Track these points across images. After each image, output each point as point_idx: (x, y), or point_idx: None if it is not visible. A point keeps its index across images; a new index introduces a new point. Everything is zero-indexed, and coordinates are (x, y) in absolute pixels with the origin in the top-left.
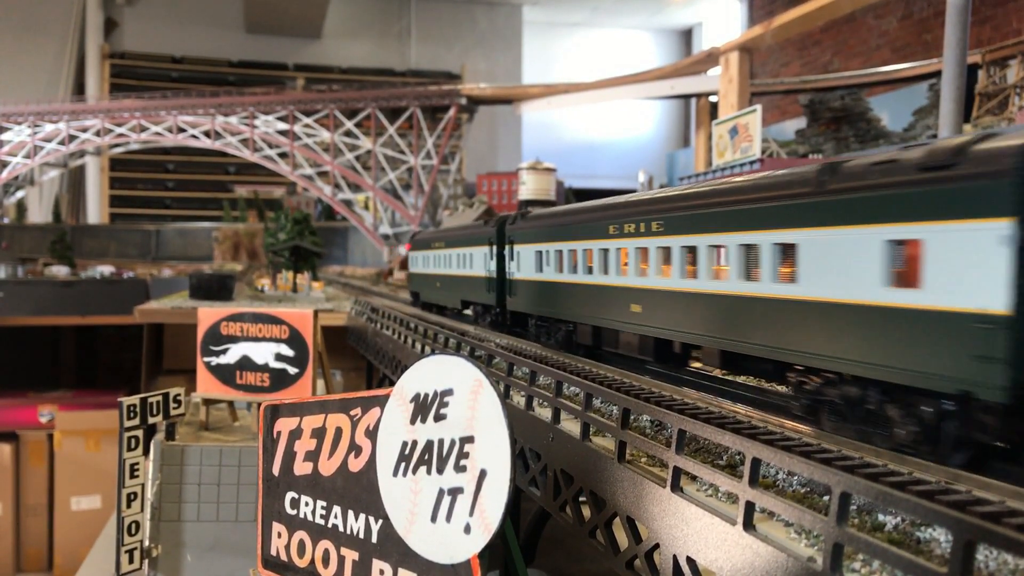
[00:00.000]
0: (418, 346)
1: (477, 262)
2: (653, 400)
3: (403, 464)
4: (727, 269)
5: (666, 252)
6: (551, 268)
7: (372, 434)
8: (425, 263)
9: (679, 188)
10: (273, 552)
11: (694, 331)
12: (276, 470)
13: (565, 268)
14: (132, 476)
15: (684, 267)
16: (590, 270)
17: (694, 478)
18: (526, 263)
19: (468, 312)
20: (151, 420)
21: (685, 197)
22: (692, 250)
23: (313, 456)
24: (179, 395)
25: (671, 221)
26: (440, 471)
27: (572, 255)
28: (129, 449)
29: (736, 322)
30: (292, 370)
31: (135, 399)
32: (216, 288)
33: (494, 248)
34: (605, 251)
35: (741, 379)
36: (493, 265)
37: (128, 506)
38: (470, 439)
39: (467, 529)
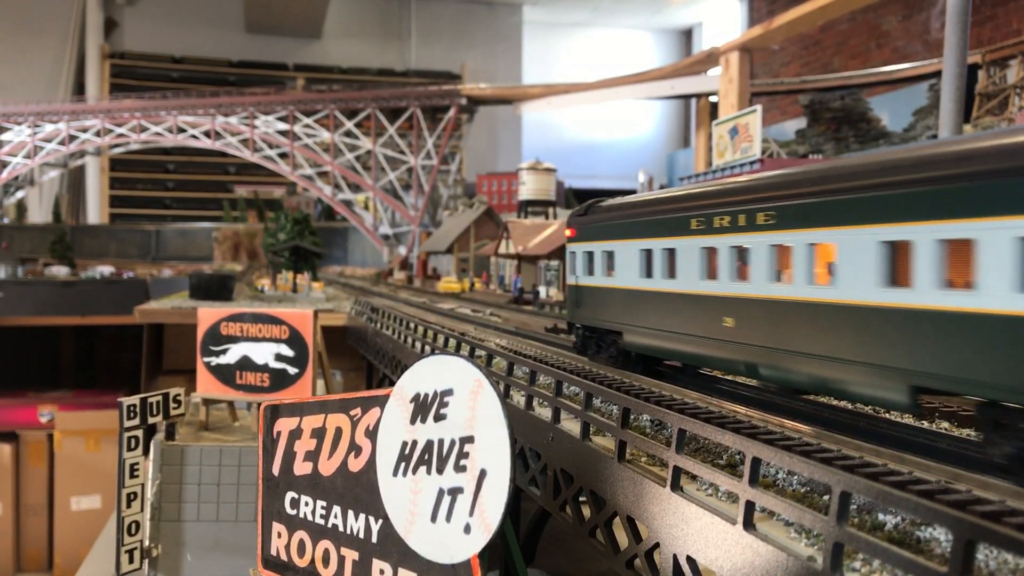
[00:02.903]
0: (418, 346)
1: None
2: (653, 400)
3: (403, 464)
4: None
5: None
6: None
7: (372, 434)
8: (643, 267)
9: None
10: (273, 552)
11: None
12: (276, 470)
13: None
14: (132, 476)
15: None
16: None
17: (694, 477)
18: None
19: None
20: (151, 420)
21: None
22: None
23: (313, 456)
24: (179, 395)
25: None
26: (440, 471)
27: None
28: (129, 449)
29: None
30: (292, 370)
31: (135, 399)
32: (216, 288)
33: None
34: None
35: None
36: None
37: (128, 506)
38: (470, 439)
39: (467, 529)
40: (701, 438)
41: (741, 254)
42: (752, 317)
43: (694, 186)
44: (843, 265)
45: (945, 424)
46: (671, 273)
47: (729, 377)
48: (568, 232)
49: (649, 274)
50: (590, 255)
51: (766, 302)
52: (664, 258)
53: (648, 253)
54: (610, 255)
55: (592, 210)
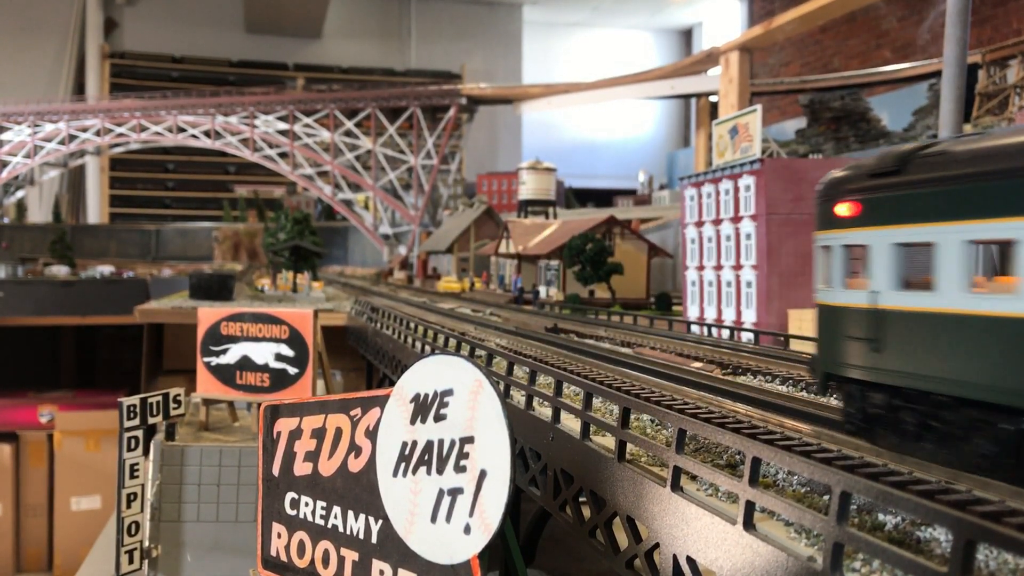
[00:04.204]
0: (418, 346)
1: None
2: (653, 400)
3: (403, 464)
4: None
5: None
6: None
7: (372, 434)
8: None
9: None
10: (273, 552)
11: None
12: (276, 470)
13: None
14: (132, 476)
15: None
16: None
17: (694, 477)
18: None
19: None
20: (151, 420)
21: None
22: None
23: (313, 456)
24: (179, 395)
25: None
26: (440, 471)
27: None
28: (129, 449)
29: None
30: (292, 370)
31: (135, 399)
32: (216, 288)
33: None
34: None
35: None
36: None
37: (128, 506)
38: (470, 439)
39: (467, 529)
40: (701, 438)
41: None
42: None
43: None
44: None
45: None
46: None
47: None
48: (845, 209)
49: None
50: (911, 251)
51: None
52: None
53: None
54: (1007, 249)
55: (914, 165)
